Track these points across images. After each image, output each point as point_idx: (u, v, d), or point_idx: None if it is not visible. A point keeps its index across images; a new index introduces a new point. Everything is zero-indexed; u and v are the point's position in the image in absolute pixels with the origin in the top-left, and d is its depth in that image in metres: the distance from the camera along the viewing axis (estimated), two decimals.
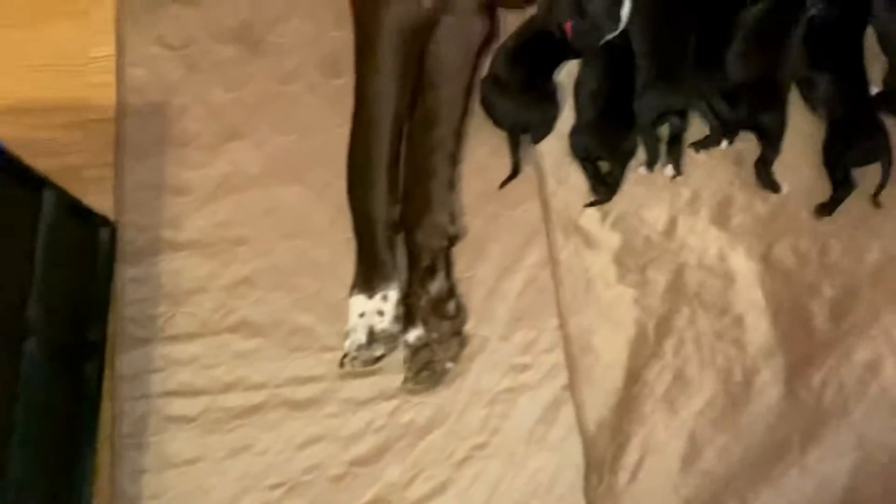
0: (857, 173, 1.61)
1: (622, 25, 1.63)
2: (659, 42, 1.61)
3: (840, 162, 1.59)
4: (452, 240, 1.59)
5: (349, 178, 1.59)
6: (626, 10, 1.62)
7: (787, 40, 1.63)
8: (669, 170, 1.63)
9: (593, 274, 1.60)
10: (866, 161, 1.59)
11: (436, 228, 1.58)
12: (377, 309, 1.52)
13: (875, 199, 1.58)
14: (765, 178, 1.61)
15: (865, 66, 1.64)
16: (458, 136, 1.66)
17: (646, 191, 1.65)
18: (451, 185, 1.64)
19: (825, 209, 1.60)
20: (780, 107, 1.62)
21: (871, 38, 1.69)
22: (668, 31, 1.62)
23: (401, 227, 1.60)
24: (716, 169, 1.64)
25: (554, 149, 1.68)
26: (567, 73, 1.73)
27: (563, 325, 1.56)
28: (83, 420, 1.54)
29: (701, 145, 1.62)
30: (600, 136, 1.61)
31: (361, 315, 1.51)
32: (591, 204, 1.63)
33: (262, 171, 1.70)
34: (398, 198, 1.60)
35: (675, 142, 1.63)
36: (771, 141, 1.61)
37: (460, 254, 1.63)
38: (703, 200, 1.63)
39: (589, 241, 1.62)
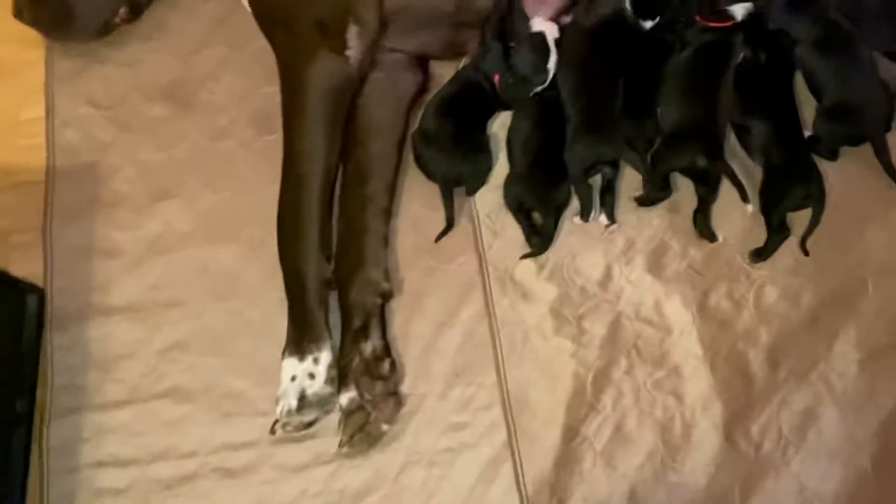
0: (790, 217, 1.61)
1: (549, 77, 1.63)
2: (586, 93, 1.61)
3: (777, 208, 1.59)
4: (386, 296, 1.57)
5: (279, 237, 1.56)
6: (552, 63, 1.62)
7: (716, 86, 1.62)
8: (604, 219, 1.62)
9: (530, 327, 1.58)
10: (802, 206, 1.59)
11: (369, 285, 1.56)
12: (308, 372, 1.48)
13: (803, 245, 1.58)
14: (703, 226, 1.60)
15: (798, 110, 1.64)
16: (391, 190, 1.64)
17: (581, 240, 1.64)
18: (385, 240, 1.62)
19: (761, 255, 1.60)
20: (718, 153, 1.60)
21: (801, 82, 1.69)
22: (594, 83, 1.62)
23: (334, 284, 1.58)
24: (650, 216, 1.64)
25: (489, 200, 1.68)
26: (501, 124, 1.73)
27: (500, 381, 1.55)
28: (9, 496, 1.50)
29: (640, 202, 1.61)
30: (532, 187, 1.61)
31: (293, 379, 1.48)
32: (526, 256, 1.62)
33: (194, 230, 1.68)
34: (330, 254, 1.58)
35: (608, 191, 1.62)
36: (710, 188, 1.60)
37: (396, 309, 1.61)
38: (637, 249, 1.62)
39: (525, 294, 1.61)
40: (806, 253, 1.58)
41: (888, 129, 1.61)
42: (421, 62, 1.73)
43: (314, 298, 1.53)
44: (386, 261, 1.61)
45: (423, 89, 1.72)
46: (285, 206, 1.56)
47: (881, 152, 1.60)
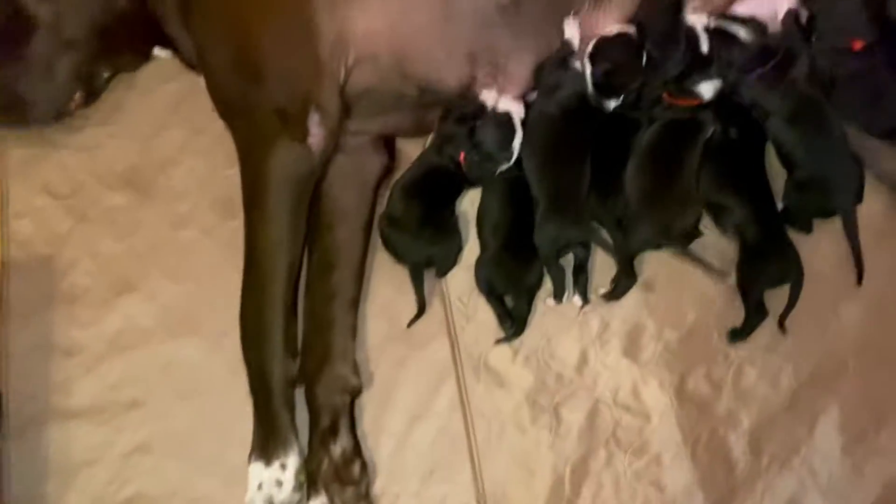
0: (768, 294, 1.58)
1: (514, 157, 1.59)
2: (552, 176, 1.57)
3: (754, 287, 1.56)
4: (355, 393, 1.52)
5: (242, 336, 1.51)
6: (517, 143, 1.58)
7: (682, 163, 1.58)
8: (577, 300, 1.59)
9: (506, 417, 1.54)
10: (780, 283, 1.56)
11: (337, 382, 1.52)
12: (275, 479, 1.43)
13: (781, 324, 1.55)
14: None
15: (770, 185, 1.61)
16: (359, 278, 1.60)
17: (555, 322, 1.60)
18: (353, 331, 1.57)
19: (739, 334, 1.57)
20: (685, 226, 1.56)
21: (771, 152, 1.66)
22: (560, 166, 1.58)
23: (301, 381, 1.53)
24: (625, 295, 1.61)
25: (460, 282, 1.63)
26: (470, 201, 1.68)
27: (476, 477, 1.50)
28: None
29: (610, 296, 1.57)
30: (502, 271, 1.57)
31: (259, 487, 1.42)
32: (501, 340, 1.58)
33: (156, 324, 1.62)
34: (296, 351, 1.54)
35: (581, 271, 1.58)
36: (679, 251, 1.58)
37: (366, 403, 1.56)
38: (612, 330, 1.58)
39: (500, 381, 1.56)
40: (784, 332, 1.55)
41: (858, 200, 1.59)
42: (386, 142, 1.69)
43: (279, 400, 1.47)
44: (354, 353, 1.56)
45: (389, 169, 1.68)
46: (248, 305, 1.50)
47: (849, 227, 1.57)
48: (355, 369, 1.54)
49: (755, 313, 1.56)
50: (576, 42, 1.57)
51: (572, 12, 1.59)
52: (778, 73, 1.57)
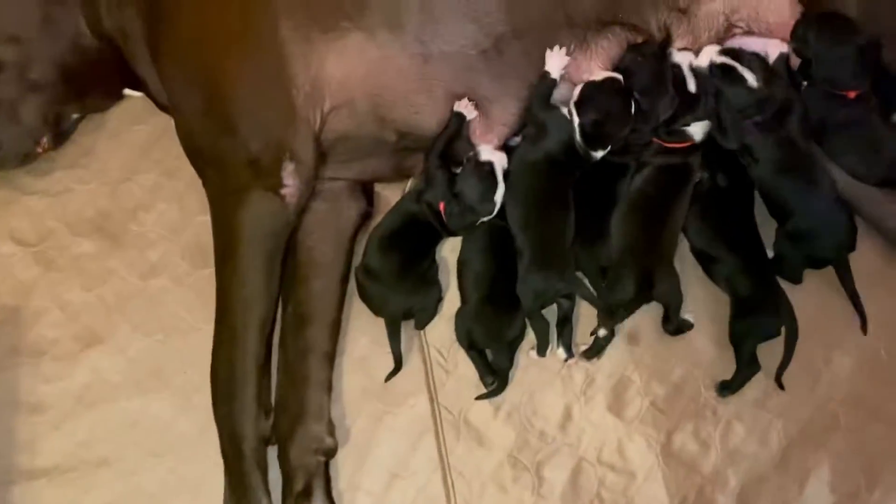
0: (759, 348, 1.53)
1: (496, 208, 1.53)
2: (536, 227, 1.51)
3: (746, 341, 1.51)
4: (329, 454, 1.47)
5: (213, 393, 1.46)
6: (499, 194, 1.52)
7: (671, 208, 1.53)
8: (562, 353, 1.53)
9: (487, 477, 1.49)
10: (773, 336, 1.51)
11: (311, 442, 1.46)
12: None
13: (778, 379, 1.50)
14: (672, 327, 1.54)
15: (761, 237, 1.56)
16: (335, 331, 1.55)
17: (538, 377, 1.55)
18: (328, 387, 1.52)
19: (728, 388, 1.52)
20: (670, 276, 1.52)
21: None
22: (544, 216, 1.52)
23: (274, 439, 1.47)
24: (609, 348, 1.55)
25: (441, 334, 1.58)
26: (451, 248, 1.63)
27: None
28: None
29: (590, 353, 1.52)
30: (483, 324, 1.51)
31: None
32: (482, 396, 1.53)
33: (125, 379, 1.57)
34: (269, 408, 1.48)
35: (565, 324, 1.53)
36: (669, 312, 1.53)
37: (343, 461, 1.51)
38: (597, 385, 1.54)
39: (481, 439, 1.51)
40: (782, 387, 1.50)
41: (851, 249, 1.54)
42: (364, 187, 1.64)
43: (251, 460, 1.42)
44: (329, 411, 1.51)
45: (367, 216, 1.63)
46: (219, 361, 1.45)
47: (844, 277, 1.53)
48: (330, 428, 1.49)
49: (747, 367, 1.51)
50: (557, 74, 1.52)
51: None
52: (776, 122, 1.52)
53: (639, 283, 1.50)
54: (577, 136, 1.50)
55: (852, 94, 1.48)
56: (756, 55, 1.54)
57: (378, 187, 1.69)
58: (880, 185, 1.56)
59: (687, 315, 1.54)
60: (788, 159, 1.52)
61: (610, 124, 1.49)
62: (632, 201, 1.55)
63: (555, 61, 1.53)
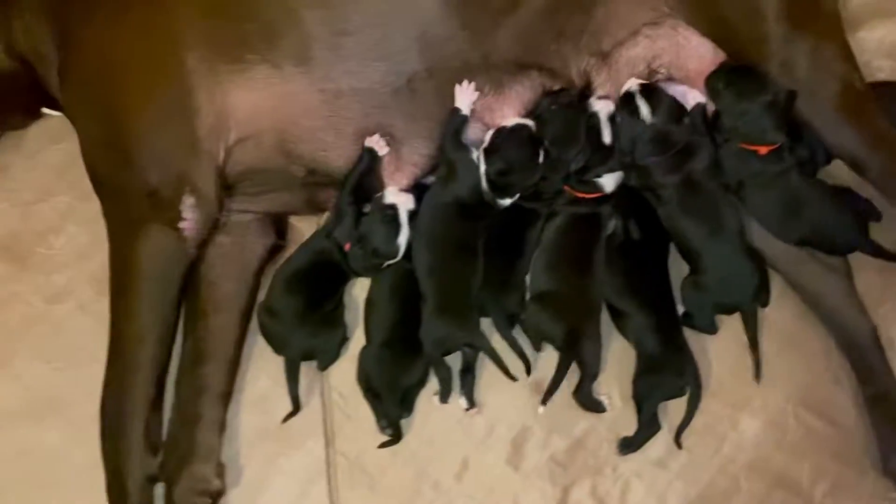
0: (663, 406, 1.49)
1: (401, 252, 1.50)
2: (441, 272, 1.49)
3: (649, 398, 1.47)
4: (215, 496, 1.44)
5: (101, 427, 1.42)
6: (402, 238, 1.49)
7: (588, 258, 1.50)
8: (463, 402, 1.49)
9: None
10: (676, 396, 1.47)
11: (197, 483, 1.43)
12: None
13: (678, 439, 1.46)
14: (585, 399, 1.49)
15: (673, 294, 1.52)
16: (232, 370, 1.52)
17: (440, 424, 1.51)
18: (221, 427, 1.49)
19: (630, 445, 1.48)
20: (595, 336, 1.48)
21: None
22: (450, 262, 1.49)
23: (161, 477, 1.44)
24: (513, 396, 1.51)
25: (345, 376, 1.54)
26: (362, 287, 1.59)
27: None
28: None
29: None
30: (381, 368, 1.48)
31: None
32: (382, 446, 1.48)
33: (20, 406, 1.54)
34: (157, 446, 1.45)
35: (467, 372, 1.50)
36: (584, 379, 1.48)
37: (234, 503, 1.48)
38: (498, 435, 1.50)
39: (374, 487, 1.48)
40: (679, 446, 1.46)
41: (760, 302, 1.50)
42: (277, 220, 1.61)
43: (135, 498, 1.39)
44: (219, 453, 1.48)
45: (276, 250, 1.59)
46: (108, 396, 1.42)
47: (749, 325, 1.49)
48: (219, 469, 1.46)
49: (647, 426, 1.47)
50: (467, 109, 1.48)
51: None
52: (676, 163, 1.47)
53: (565, 337, 1.46)
54: (483, 184, 1.47)
55: (763, 151, 1.44)
56: (672, 98, 1.52)
57: (294, 220, 1.66)
58: (799, 244, 1.54)
59: (602, 397, 1.50)
60: (692, 202, 1.47)
61: (516, 173, 1.46)
62: (553, 250, 1.51)
63: (464, 97, 1.50)
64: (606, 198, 1.53)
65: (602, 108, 1.52)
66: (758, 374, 1.50)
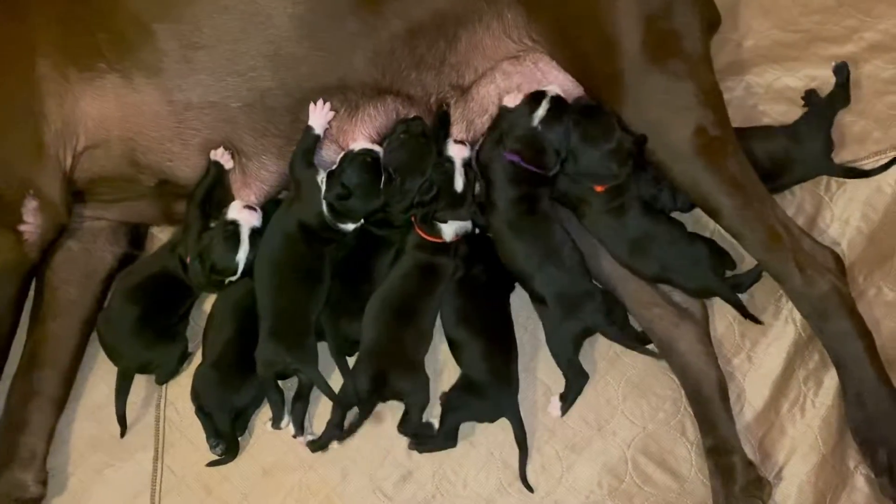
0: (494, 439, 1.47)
1: (240, 269, 1.47)
2: (279, 295, 1.46)
3: (456, 413, 1.43)
4: (31, 502, 1.42)
5: None
6: (242, 255, 1.46)
7: (420, 310, 1.45)
8: (292, 427, 1.47)
9: None
10: (485, 420, 1.44)
11: (14, 489, 1.42)
12: None
13: (523, 478, 1.42)
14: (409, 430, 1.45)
15: (512, 328, 1.49)
16: (67, 377, 1.50)
17: (271, 448, 1.48)
18: (49, 435, 1.47)
19: (419, 445, 1.43)
20: (410, 377, 1.44)
21: None
22: (290, 285, 1.46)
23: None
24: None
25: (184, 392, 1.51)
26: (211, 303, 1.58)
27: None
28: None
29: (318, 445, 1.44)
30: (211, 386, 1.45)
31: None
32: (213, 463, 1.47)
33: None
34: None
35: (299, 398, 1.47)
36: (409, 412, 1.45)
37: None
38: (328, 459, 1.45)
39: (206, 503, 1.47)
40: (528, 487, 1.42)
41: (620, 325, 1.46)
42: (131, 229, 1.60)
43: None
44: (44, 460, 1.46)
45: (128, 259, 1.58)
46: None
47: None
48: (40, 476, 1.45)
49: (444, 439, 1.43)
50: (320, 129, 1.46)
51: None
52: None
53: (373, 380, 1.42)
54: (324, 207, 1.45)
55: (600, 189, 1.42)
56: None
57: (156, 230, 1.65)
58: (656, 281, 1.49)
59: (433, 420, 1.46)
60: (524, 224, 1.43)
61: (355, 199, 1.44)
62: (384, 297, 1.47)
63: (318, 116, 1.48)
64: (445, 247, 1.48)
65: (457, 153, 1.49)
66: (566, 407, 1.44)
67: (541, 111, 1.45)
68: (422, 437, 1.43)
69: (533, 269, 1.44)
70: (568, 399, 1.46)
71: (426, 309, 1.46)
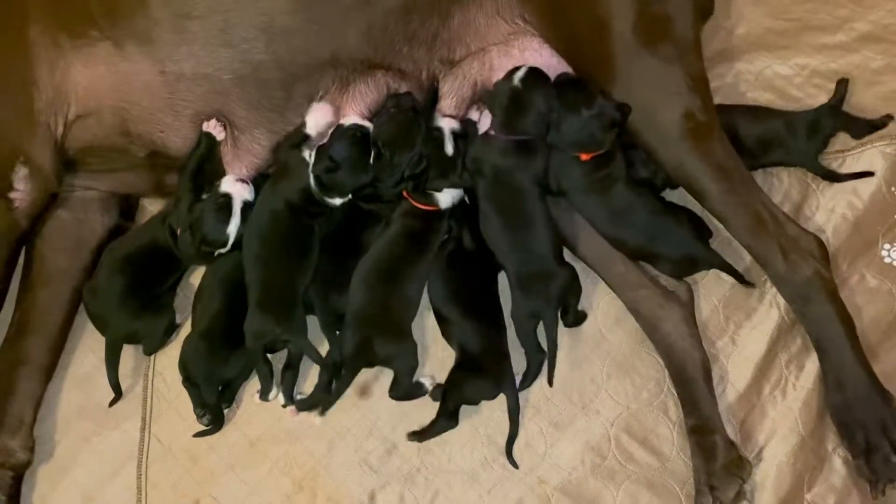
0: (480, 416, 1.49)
1: (231, 242, 1.48)
2: (267, 267, 1.46)
3: (458, 392, 1.45)
4: (18, 468, 1.44)
5: None
6: (232, 228, 1.47)
7: (407, 276, 1.46)
8: (282, 398, 1.48)
9: None
10: (485, 399, 1.45)
11: (1, 454, 1.42)
12: None
13: (509, 454, 1.44)
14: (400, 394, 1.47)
15: (500, 305, 1.50)
16: (55, 346, 1.51)
17: (260, 420, 1.49)
18: (36, 402, 1.49)
19: (421, 434, 1.45)
20: (396, 342, 1.45)
21: None
22: (278, 258, 1.46)
23: None
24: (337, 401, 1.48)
25: (173, 363, 1.51)
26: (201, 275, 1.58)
27: None
28: None
29: (306, 405, 1.45)
30: (199, 357, 1.46)
31: None
32: (199, 434, 1.48)
33: None
34: None
35: (289, 369, 1.49)
36: (397, 377, 1.46)
37: (40, 479, 1.49)
38: (317, 433, 1.47)
39: (183, 474, 1.46)
40: (514, 464, 1.44)
41: (564, 306, 1.47)
42: (122, 200, 1.60)
43: None
44: (31, 426, 1.48)
45: (118, 230, 1.58)
46: None
47: (548, 331, 1.45)
48: (27, 443, 1.46)
49: (445, 419, 1.45)
50: (313, 131, 1.47)
51: (319, 94, 1.49)
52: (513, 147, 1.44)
53: (358, 346, 1.44)
54: (312, 181, 1.46)
55: (585, 157, 1.43)
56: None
57: (147, 202, 1.65)
58: (637, 257, 1.51)
59: (424, 379, 1.49)
60: (500, 197, 1.45)
61: (343, 172, 1.44)
62: (371, 263, 1.48)
63: (315, 117, 1.49)
64: (440, 215, 1.50)
65: (446, 124, 1.50)
66: (550, 378, 1.45)
67: (520, 73, 1.47)
68: (420, 431, 1.43)
69: (504, 245, 1.45)
70: (527, 377, 1.47)
71: (412, 275, 1.47)
